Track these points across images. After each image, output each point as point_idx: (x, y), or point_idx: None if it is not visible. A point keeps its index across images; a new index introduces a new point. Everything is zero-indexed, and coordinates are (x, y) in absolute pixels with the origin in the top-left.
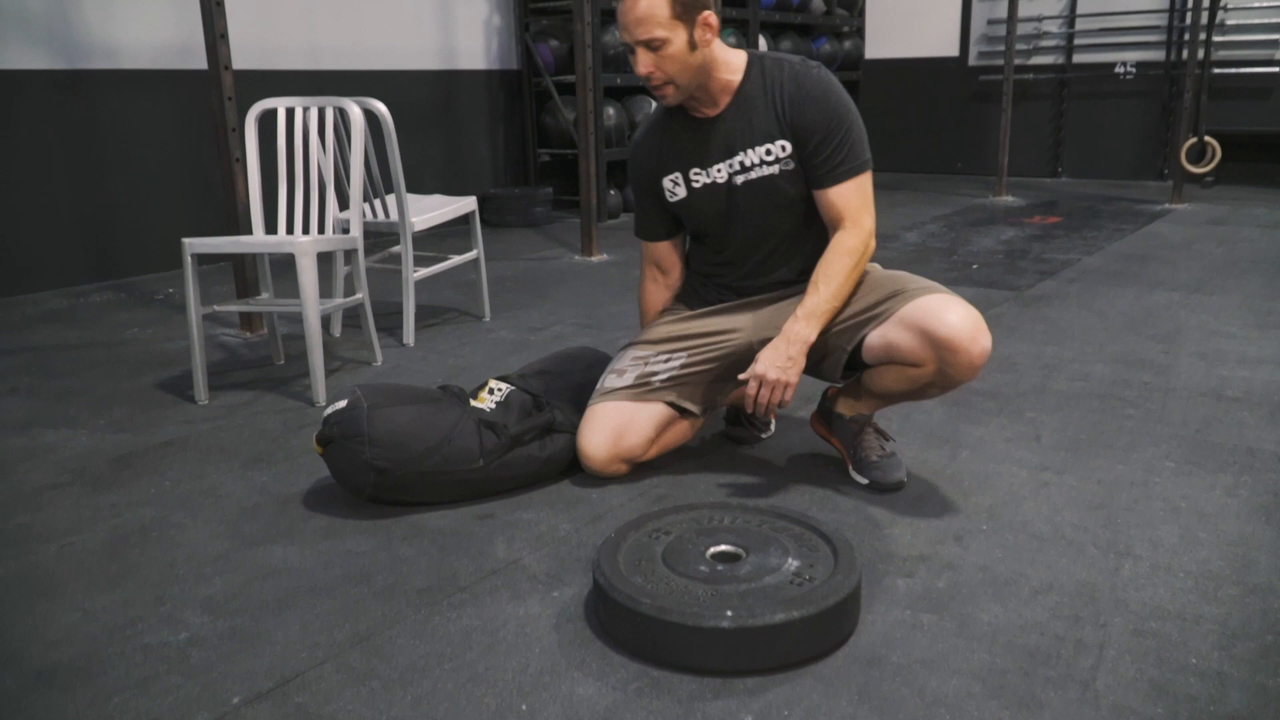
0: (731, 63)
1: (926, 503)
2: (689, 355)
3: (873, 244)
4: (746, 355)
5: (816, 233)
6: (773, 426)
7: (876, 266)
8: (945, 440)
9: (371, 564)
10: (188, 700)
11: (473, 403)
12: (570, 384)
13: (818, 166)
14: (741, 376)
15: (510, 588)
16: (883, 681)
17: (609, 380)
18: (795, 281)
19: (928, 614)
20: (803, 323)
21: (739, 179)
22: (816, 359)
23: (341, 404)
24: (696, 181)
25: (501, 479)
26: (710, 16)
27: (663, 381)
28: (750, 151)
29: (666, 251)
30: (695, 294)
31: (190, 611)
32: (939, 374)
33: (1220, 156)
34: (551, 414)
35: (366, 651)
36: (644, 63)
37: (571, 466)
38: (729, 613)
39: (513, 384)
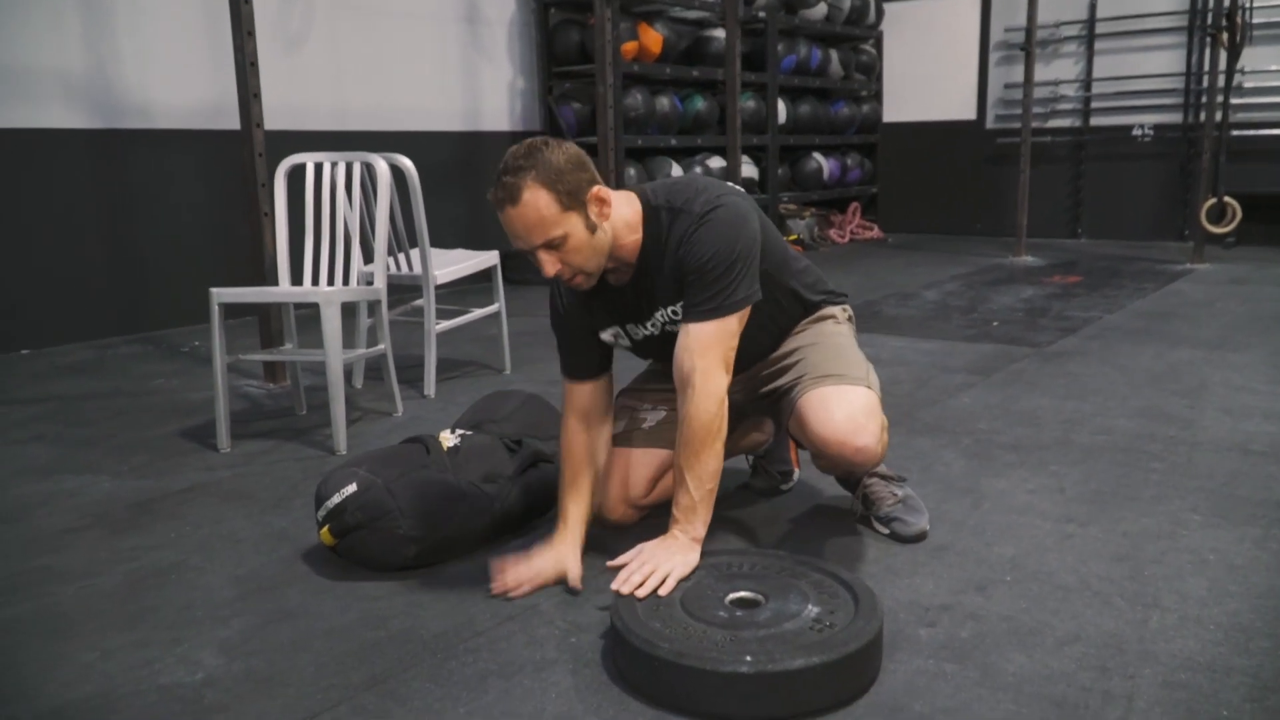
0: (629, 223)
1: (948, 553)
2: (670, 409)
3: (721, 395)
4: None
5: (771, 310)
6: (795, 478)
7: (821, 328)
8: (966, 491)
9: (388, 608)
10: None
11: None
12: (519, 423)
13: (685, 302)
14: (616, 561)
15: (527, 632)
16: None
17: None
18: (767, 353)
19: (951, 663)
20: (686, 524)
21: (668, 328)
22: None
23: (350, 489)
24: (635, 334)
25: (513, 516)
26: (600, 191)
27: (652, 427)
28: (669, 309)
29: (594, 395)
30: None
31: (206, 653)
32: (832, 464)
33: (1240, 217)
34: (533, 446)
35: (382, 694)
36: (548, 264)
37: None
38: (748, 658)
39: (466, 429)
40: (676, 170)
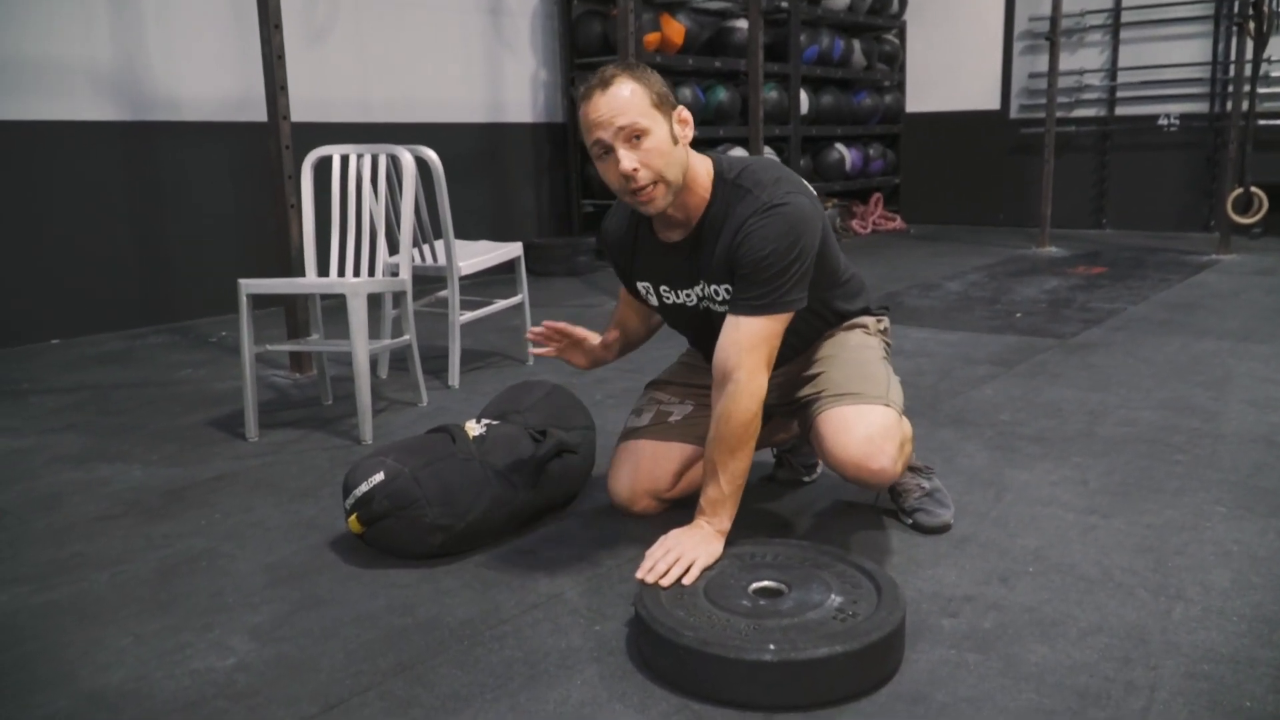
0: (700, 176)
1: (971, 544)
2: (696, 404)
3: (759, 393)
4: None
5: (805, 315)
6: (819, 471)
7: (848, 338)
8: (989, 483)
9: (415, 596)
10: None
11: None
12: (544, 413)
13: (735, 292)
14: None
15: (552, 620)
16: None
17: (629, 421)
18: (790, 359)
19: (973, 653)
20: (712, 516)
21: (706, 305)
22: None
23: (377, 478)
24: (668, 298)
25: (539, 505)
26: (685, 113)
27: (678, 421)
28: (714, 286)
29: (632, 311)
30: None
31: (238, 638)
32: (850, 481)
33: (1267, 207)
34: (557, 436)
35: (409, 680)
36: (626, 160)
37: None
38: (771, 646)
39: (491, 419)
40: None
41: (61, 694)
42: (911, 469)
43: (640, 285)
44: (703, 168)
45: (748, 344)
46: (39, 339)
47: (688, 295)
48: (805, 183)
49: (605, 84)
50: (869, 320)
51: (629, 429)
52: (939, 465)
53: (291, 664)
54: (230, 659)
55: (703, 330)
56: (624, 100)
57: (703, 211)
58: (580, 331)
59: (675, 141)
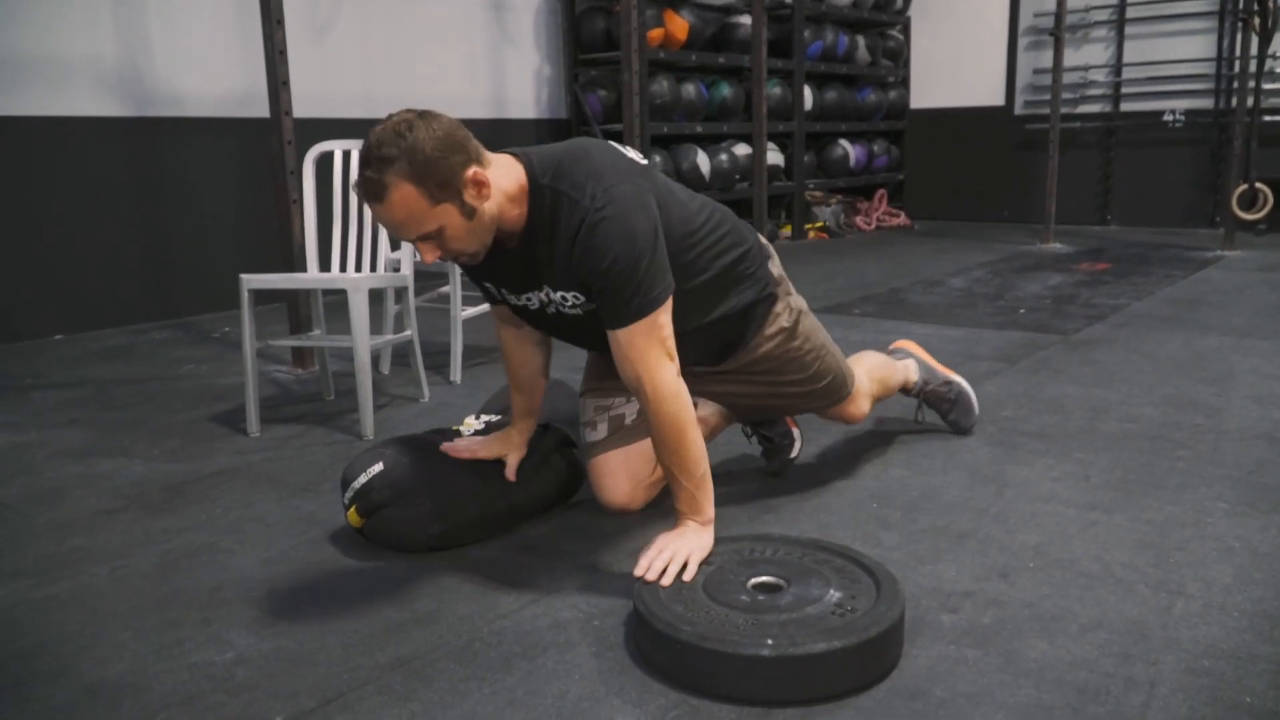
0: (512, 192)
1: (971, 539)
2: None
3: (677, 385)
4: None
5: (695, 341)
6: (798, 441)
7: (800, 335)
8: (990, 479)
9: (414, 591)
10: (232, 718)
11: (460, 427)
12: (544, 408)
13: (603, 310)
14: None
15: (551, 615)
16: (926, 715)
17: (586, 434)
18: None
19: (972, 649)
20: (691, 514)
21: (550, 309)
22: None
23: (376, 469)
24: (511, 300)
25: (538, 500)
26: (477, 173)
27: (635, 422)
28: (560, 293)
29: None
30: None
31: (236, 632)
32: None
33: (1272, 203)
34: (558, 431)
35: (408, 674)
36: (426, 252)
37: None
38: (769, 641)
39: (492, 414)
40: (702, 158)
41: (61, 687)
42: (936, 389)
43: (486, 284)
44: (513, 184)
45: (636, 355)
46: (41, 334)
47: (528, 299)
48: (621, 154)
49: (377, 195)
50: (779, 316)
51: (592, 444)
52: (940, 460)
53: (290, 658)
54: (229, 653)
55: (559, 329)
56: (400, 216)
57: (524, 224)
58: (494, 447)
59: (471, 215)
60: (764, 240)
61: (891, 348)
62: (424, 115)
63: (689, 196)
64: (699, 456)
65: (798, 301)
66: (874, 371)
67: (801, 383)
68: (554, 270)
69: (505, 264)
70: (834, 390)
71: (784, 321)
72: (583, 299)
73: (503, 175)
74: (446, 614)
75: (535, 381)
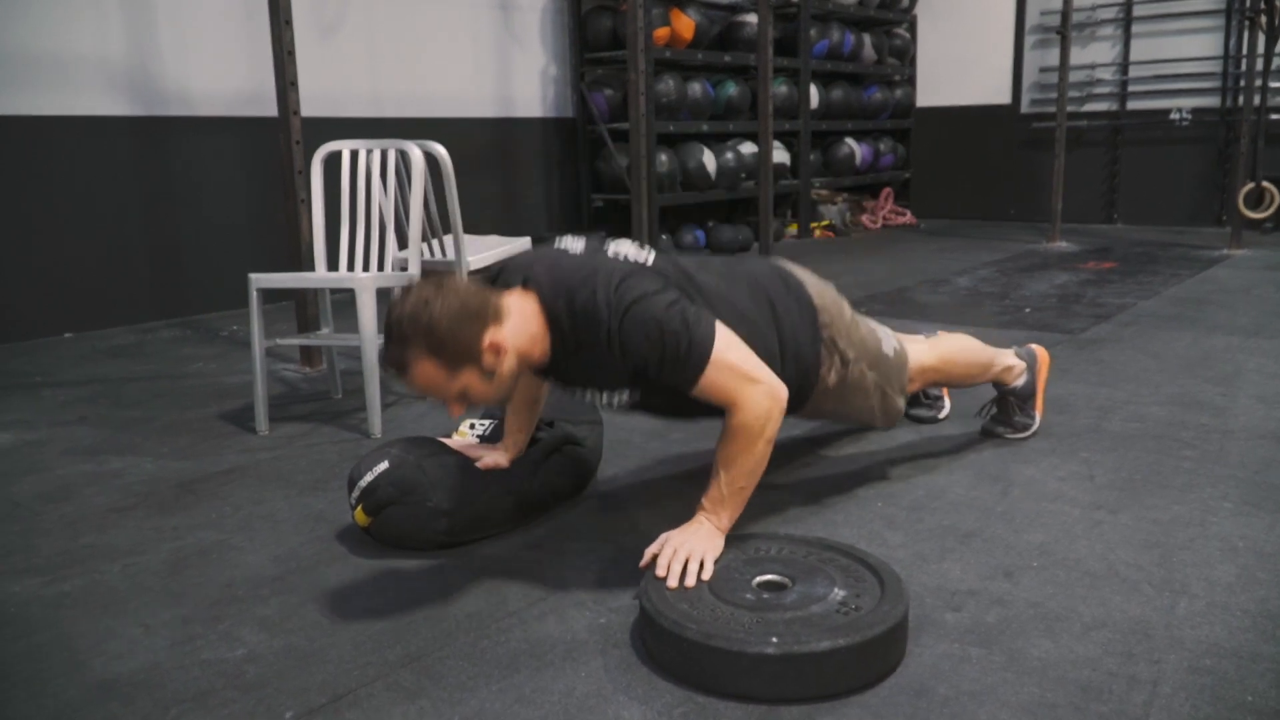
0: (535, 332)
1: (976, 539)
2: None
3: (767, 405)
4: None
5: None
6: (946, 407)
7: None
8: (996, 478)
9: (422, 588)
10: (243, 714)
11: (455, 436)
12: (550, 405)
13: (673, 381)
14: (645, 559)
15: (558, 613)
16: (930, 713)
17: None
18: None
19: (976, 647)
20: (712, 514)
21: (606, 402)
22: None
23: (382, 467)
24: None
25: (543, 497)
26: (494, 339)
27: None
28: (598, 394)
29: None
30: None
31: (247, 629)
32: None
33: (1279, 202)
34: (563, 428)
35: (417, 671)
36: (454, 409)
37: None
38: (774, 639)
39: (495, 417)
40: (708, 156)
41: (73, 684)
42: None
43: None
44: (534, 323)
45: (721, 392)
46: (51, 333)
47: (580, 394)
48: (612, 253)
49: (401, 370)
50: (825, 368)
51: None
52: (946, 460)
53: (300, 655)
54: (240, 650)
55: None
56: (424, 385)
57: (552, 353)
58: (489, 459)
59: (491, 375)
60: (811, 293)
61: (1029, 345)
62: (440, 287)
63: (723, 294)
64: (750, 470)
65: (847, 349)
66: (952, 357)
67: (858, 414)
68: (595, 380)
69: (547, 375)
70: (886, 418)
71: (830, 382)
72: (628, 393)
73: (521, 324)
74: (454, 611)
75: (533, 406)
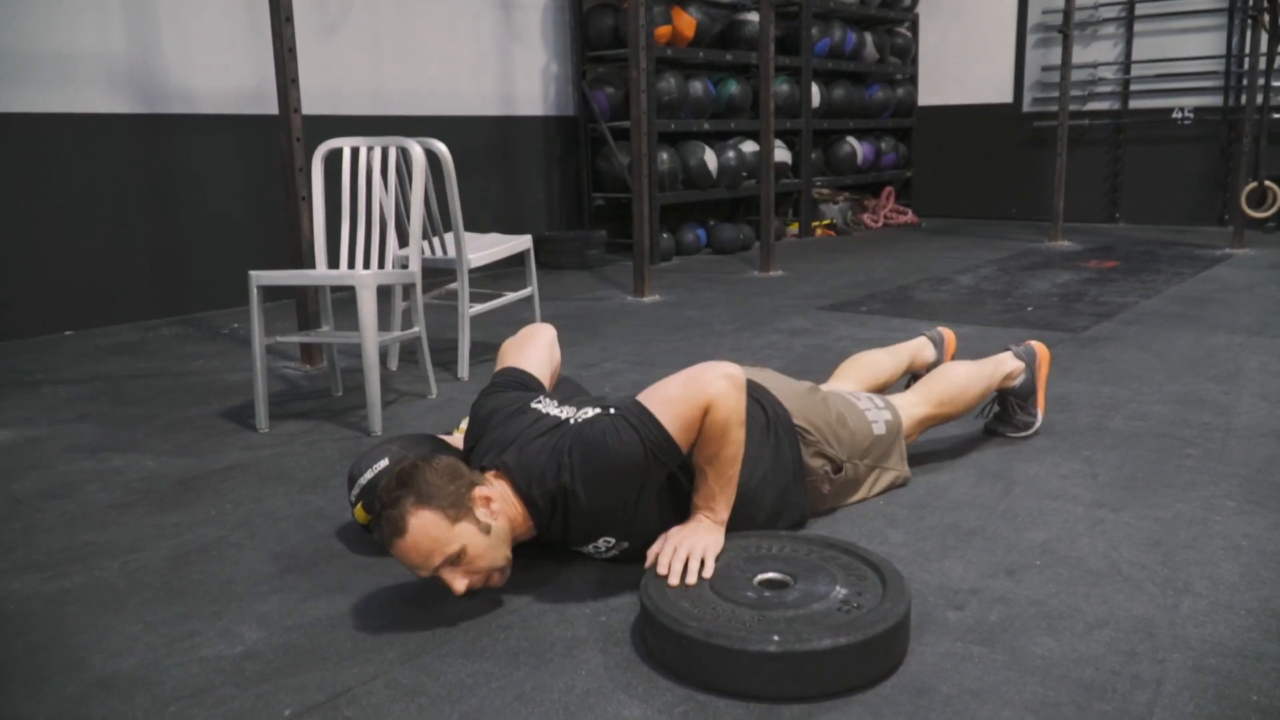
0: (517, 513)
1: (978, 537)
2: None
3: (726, 387)
4: None
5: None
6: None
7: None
8: (998, 476)
9: (423, 586)
10: (242, 711)
11: (454, 433)
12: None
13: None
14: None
15: (558, 611)
16: (932, 711)
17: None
18: None
19: (979, 646)
20: (708, 510)
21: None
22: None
23: (382, 464)
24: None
25: None
26: (481, 492)
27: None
28: (592, 545)
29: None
30: None
31: (246, 626)
32: None
33: None
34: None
35: (415, 669)
36: (457, 581)
37: None
38: (775, 637)
39: None
40: (710, 155)
41: (72, 680)
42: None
43: None
44: (513, 502)
45: (687, 413)
46: (52, 330)
47: (586, 547)
48: (568, 424)
49: (399, 530)
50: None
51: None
52: (947, 458)
53: (299, 652)
54: (239, 647)
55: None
56: (425, 544)
57: (536, 527)
58: None
59: (488, 530)
60: (789, 411)
61: (1028, 342)
62: (424, 457)
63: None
64: (731, 457)
65: (838, 453)
66: (948, 399)
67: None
68: (580, 537)
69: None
70: (893, 487)
71: (825, 490)
72: (614, 541)
73: (502, 501)
74: (454, 609)
75: None
